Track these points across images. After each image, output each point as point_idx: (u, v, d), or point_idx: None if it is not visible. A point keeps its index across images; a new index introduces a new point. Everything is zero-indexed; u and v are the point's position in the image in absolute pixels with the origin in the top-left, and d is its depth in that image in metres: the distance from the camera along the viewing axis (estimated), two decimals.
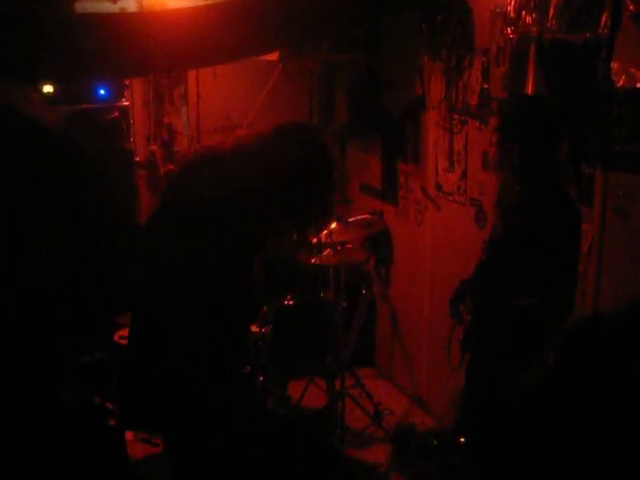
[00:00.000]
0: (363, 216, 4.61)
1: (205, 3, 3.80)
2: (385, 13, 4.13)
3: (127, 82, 4.63)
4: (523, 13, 3.51)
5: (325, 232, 4.30)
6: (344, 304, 4.45)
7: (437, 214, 4.50)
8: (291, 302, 4.22)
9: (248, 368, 4.10)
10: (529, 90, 3.39)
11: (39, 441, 2.68)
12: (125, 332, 3.92)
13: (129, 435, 3.96)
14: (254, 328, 4.20)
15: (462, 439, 3.77)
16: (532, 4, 3.44)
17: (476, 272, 3.23)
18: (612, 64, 3.01)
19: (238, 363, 2.63)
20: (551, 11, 3.32)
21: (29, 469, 2.63)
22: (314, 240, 4.18)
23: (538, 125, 3.14)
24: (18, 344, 2.96)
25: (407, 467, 4.12)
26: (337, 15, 3.83)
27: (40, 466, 2.66)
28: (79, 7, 3.85)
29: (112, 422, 3.86)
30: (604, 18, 3.05)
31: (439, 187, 4.44)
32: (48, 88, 4.09)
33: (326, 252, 4.46)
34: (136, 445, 4.00)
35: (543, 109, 3.23)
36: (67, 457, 2.73)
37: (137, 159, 5.02)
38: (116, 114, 4.37)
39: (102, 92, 4.29)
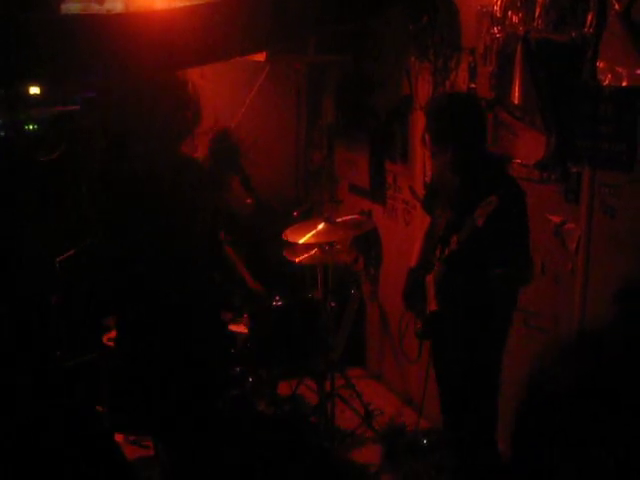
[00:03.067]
0: (351, 216, 4.61)
1: (192, 4, 3.78)
2: (369, 12, 4.13)
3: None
4: (509, 13, 3.52)
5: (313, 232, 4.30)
6: (333, 304, 4.44)
7: (425, 213, 4.49)
8: (280, 303, 4.22)
9: (237, 369, 4.11)
10: (515, 90, 3.41)
11: (25, 445, 2.67)
12: (113, 334, 3.92)
13: (119, 438, 3.95)
14: (243, 329, 4.20)
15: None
16: (518, 4, 3.45)
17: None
18: (598, 63, 3.03)
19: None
20: (537, 10, 3.33)
21: (16, 474, 2.61)
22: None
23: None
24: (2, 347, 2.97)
25: (398, 467, 4.12)
26: (322, 14, 3.83)
27: (27, 470, 2.65)
28: (65, 8, 3.83)
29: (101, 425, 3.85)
30: (590, 17, 3.06)
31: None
32: (34, 90, 4.08)
33: (314, 252, 4.46)
34: (126, 447, 3.99)
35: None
36: (54, 461, 2.72)
37: None
38: None
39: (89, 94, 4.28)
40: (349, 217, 4.57)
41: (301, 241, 4.25)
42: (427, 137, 3.25)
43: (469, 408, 3.20)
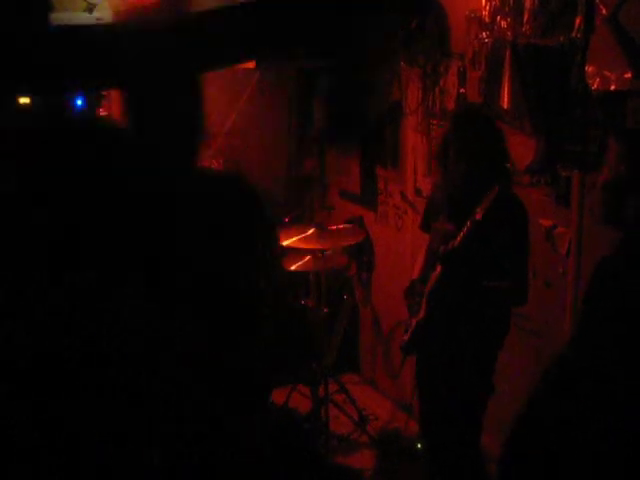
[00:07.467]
0: (343, 226, 4.60)
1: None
2: (358, 17, 4.15)
3: (104, 92, 4.60)
4: (498, 18, 3.54)
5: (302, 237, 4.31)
6: (326, 310, 4.45)
7: (417, 218, 4.49)
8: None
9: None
10: (504, 95, 3.42)
11: None
12: None
13: None
14: None
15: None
16: (507, 9, 3.47)
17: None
18: (586, 67, 3.04)
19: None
20: (525, 16, 3.36)
21: None
22: None
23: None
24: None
25: (392, 472, 4.13)
26: (313, 22, 3.84)
27: None
28: (54, 17, 3.82)
29: None
30: (578, 22, 3.08)
31: (418, 192, 4.46)
32: (24, 100, 4.07)
33: (307, 259, 4.46)
34: None
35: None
36: None
37: None
38: None
39: (79, 103, 4.26)
40: (341, 226, 4.55)
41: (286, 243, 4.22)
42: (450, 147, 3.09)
43: (452, 425, 3.18)
